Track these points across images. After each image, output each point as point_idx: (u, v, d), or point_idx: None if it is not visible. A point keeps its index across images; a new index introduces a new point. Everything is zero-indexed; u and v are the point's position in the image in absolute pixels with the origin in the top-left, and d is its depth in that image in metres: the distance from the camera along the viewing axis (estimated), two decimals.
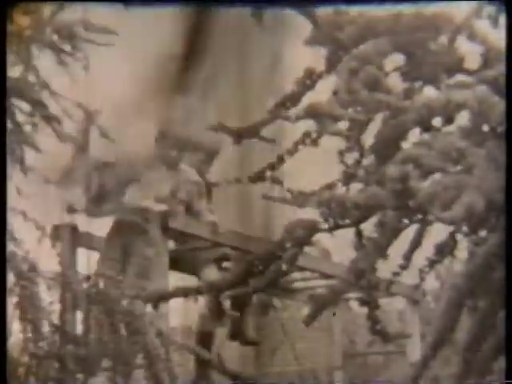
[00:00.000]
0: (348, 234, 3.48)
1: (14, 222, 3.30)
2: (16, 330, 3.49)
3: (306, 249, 3.51)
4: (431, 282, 6.20)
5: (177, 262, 4.53)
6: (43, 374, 3.48)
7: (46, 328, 3.47)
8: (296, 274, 5.20)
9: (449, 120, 3.14)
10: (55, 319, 3.57)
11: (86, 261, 4.28)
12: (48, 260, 3.64)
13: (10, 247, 3.25)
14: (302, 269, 4.85)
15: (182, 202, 4.57)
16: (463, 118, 3.04)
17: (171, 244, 4.53)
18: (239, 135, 3.64)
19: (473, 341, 3.25)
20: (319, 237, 3.48)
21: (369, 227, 3.31)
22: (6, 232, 3.12)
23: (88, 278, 3.70)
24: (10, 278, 3.32)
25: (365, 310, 3.84)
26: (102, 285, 3.62)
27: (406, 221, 3.08)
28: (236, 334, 4.95)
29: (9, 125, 3.50)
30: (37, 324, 3.42)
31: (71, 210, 4.28)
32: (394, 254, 3.38)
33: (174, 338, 3.96)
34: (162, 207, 4.42)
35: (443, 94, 3.04)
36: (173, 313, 4.65)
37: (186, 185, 4.59)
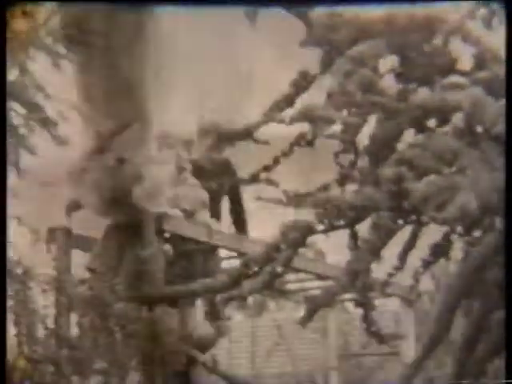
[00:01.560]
0: (343, 235, 3.49)
1: (8, 226, 3.29)
2: (11, 334, 3.48)
3: (301, 250, 3.51)
4: (426, 283, 6.21)
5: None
6: (38, 378, 3.46)
7: (40, 332, 3.46)
8: (291, 276, 5.20)
9: (443, 121, 3.15)
10: (50, 323, 3.56)
11: (81, 263, 4.28)
12: (43, 263, 3.63)
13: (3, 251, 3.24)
14: (296, 270, 4.85)
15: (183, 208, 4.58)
16: (457, 120, 3.05)
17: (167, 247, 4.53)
18: (233, 137, 3.65)
19: (467, 342, 3.26)
20: (314, 238, 3.48)
21: (363, 229, 3.32)
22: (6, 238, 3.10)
23: (82, 281, 3.69)
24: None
25: (360, 311, 3.84)
26: (96, 288, 3.61)
27: (400, 222, 3.09)
28: None
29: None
30: (31, 328, 3.41)
31: (71, 210, 4.28)
32: (388, 255, 3.38)
33: (169, 341, 3.95)
34: (159, 209, 4.42)
35: (437, 95, 3.05)
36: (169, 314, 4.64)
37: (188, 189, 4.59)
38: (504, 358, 2.94)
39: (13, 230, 3.34)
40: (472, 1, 3.21)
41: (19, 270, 3.31)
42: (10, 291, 3.26)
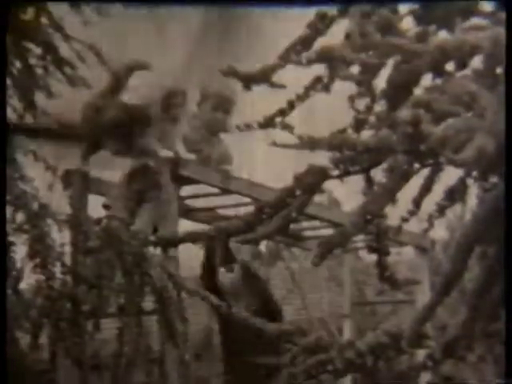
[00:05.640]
0: (358, 182, 3.48)
1: (24, 161, 3.31)
2: (28, 272, 3.53)
3: (316, 198, 3.50)
4: (441, 232, 6.21)
5: None
6: (56, 315, 3.52)
7: (58, 269, 3.51)
8: (305, 223, 5.21)
9: (462, 64, 3.10)
10: (67, 260, 3.60)
11: (97, 207, 4.31)
12: (59, 202, 3.65)
13: (20, 186, 3.26)
14: (311, 217, 4.86)
15: (193, 150, 4.58)
16: (476, 62, 3.01)
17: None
18: (249, 80, 3.60)
19: (481, 287, 3.26)
20: (330, 186, 3.47)
21: (379, 174, 3.30)
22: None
23: (99, 220, 3.72)
24: (20, 217, 3.34)
25: (374, 257, 3.85)
26: (113, 227, 3.64)
27: (416, 165, 3.07)
28: None
29: (20, 68, 3.49)
30: (49, 264, 3.45)
31: (88, 152, 4.31)
32: (403, 200, 3.37)
33: (184, 283, 3.99)
34: (173, 154, 4.42)
35: (457, 36, 3.00)
36: (184, 262, 4.68)
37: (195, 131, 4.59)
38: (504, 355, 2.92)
39: (29, 165, 3.36)
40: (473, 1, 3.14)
41: (35, 205, 3.33)
42: (25, 225, 3.30)
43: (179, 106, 4.44)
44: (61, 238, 3.55)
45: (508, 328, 2.88)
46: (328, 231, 5.15)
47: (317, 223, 5.18)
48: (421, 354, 3.58)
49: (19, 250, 3.38)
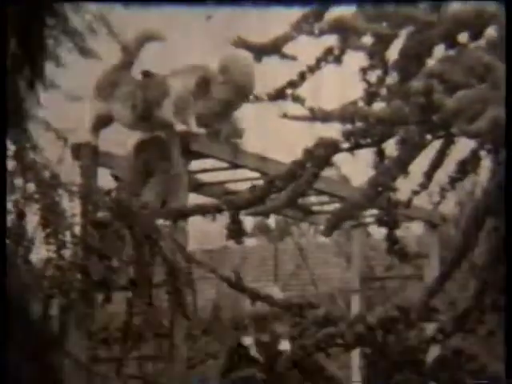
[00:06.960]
0: (369, 157, 3.45)
1: (35, 131, 3.30)
2: (38, 243, 3.53)
3: (326, 173, 3.48)
4: (452, 208, 6.19)
5: None
6: (67, 286, 3.52)
7: (68, 239, 3.51)
8: (314, 198, 5.20)
9: (476, 35, 3.07)
10: (77, 231, 3.60)
11: (106, 179, 4.30)
12: (69, 173, 3.65)
13: (30, 155, 3.25)
14: (320, 192, 4.85)
15: (204, 124, 4.54)
16: (491, 32, 2.97)
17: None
18: (260, 51, 3.57)
19: (491, 260, 3.25)
20: (339, 161, 3.44)
21: (390, 147, 3.28)
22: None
23: (109, 192, 3.71)
24: (31, 186, 3.33)
25: (383, 230, 3.83)
26: (123, 198, 3.63)
27: (428, 136, 3.04)
28: None
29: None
30: (59, 234, 3.45)
31: (99, 125, 4.29)
32: (414, 173, 3.35)
33: (193, 256, 3.99)
34: (183, 127, 4.40)
35: (471, 5, 2.96)
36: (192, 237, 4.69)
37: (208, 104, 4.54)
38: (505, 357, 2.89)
39: (40, 135, 3.35)
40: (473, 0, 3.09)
41: (46, 174, 3.33)
42: (36, 195, 3.29)
43: (207, 82, 4.39)
44: (71, 208, 3.55)
45: (508, 329, 2.86)
46: (337, 206, 5.12)
47: (325, 198, 5.17)
48: (430, 329, 3.58)
49: (30, 220, 3.39)
